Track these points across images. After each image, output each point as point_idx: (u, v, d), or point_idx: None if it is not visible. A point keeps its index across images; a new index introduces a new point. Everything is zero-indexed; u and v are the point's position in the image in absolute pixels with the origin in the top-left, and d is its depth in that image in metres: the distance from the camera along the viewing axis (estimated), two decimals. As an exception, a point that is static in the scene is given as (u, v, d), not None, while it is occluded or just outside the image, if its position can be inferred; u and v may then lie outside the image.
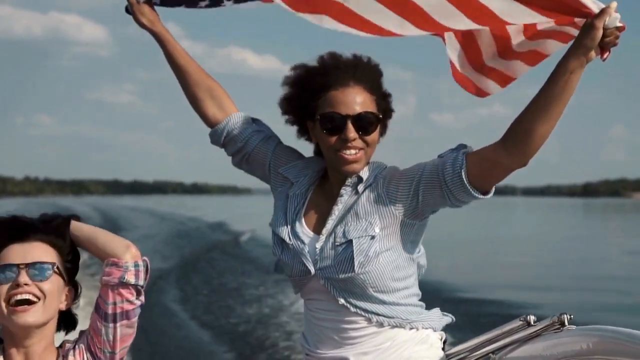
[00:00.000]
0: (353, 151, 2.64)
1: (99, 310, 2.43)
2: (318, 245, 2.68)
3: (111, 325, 2.43)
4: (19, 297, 2.34)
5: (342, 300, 2.65)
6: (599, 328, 2.49)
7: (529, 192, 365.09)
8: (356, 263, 2.60)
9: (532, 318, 2.62)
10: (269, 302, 13.97)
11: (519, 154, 2.51)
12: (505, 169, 2.56)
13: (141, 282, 2.44)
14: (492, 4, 2.55)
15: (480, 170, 2.56)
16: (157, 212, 55.96)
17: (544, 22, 2.60)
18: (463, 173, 2.55)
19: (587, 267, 23.14)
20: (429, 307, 2.77)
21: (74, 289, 2.50)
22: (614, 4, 2.41)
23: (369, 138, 2.66)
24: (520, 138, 2.49)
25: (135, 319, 2.45)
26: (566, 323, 2.56)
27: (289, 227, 2.76)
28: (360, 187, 2.71)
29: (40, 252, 2.42)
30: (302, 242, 2.71)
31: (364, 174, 2.70)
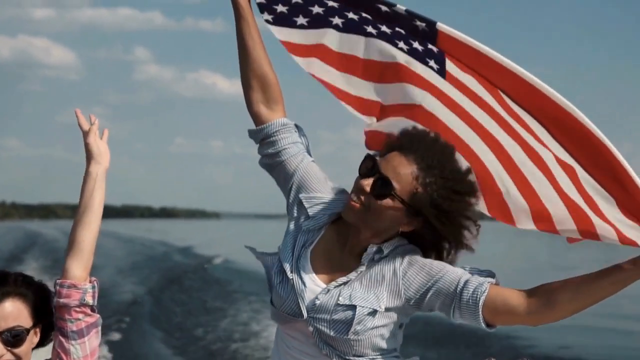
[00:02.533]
0: (355, 198, 2.61)
1: (62, 331, 2.50)
2: (320, 297, 2.64)
3: (79, 340, 2.50)
4: None
5: (325, 351, 2.66)
6: None
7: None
8: (352, 330, 2.60)
9: None
10: (239, 327, 13.96)
11: (538, 319, 2.58)
12: (519, 321, 2.59)
13: (96, 302, 2.57)
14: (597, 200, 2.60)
15: (496, 310, 2.56)
16: (125, 236, 55.59)
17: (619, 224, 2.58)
18: (480, 303, 2.55)
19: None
20: (412, 344, 2.78)
21: (44, 322, 2.56)
22: None
23: (373, 202, 2.58)
24: (545, 305, 2.54)
25: (100, 328, 2.57)
26: None
27: (293, 260, 2.71)
28: (377, 257, 2.66)
29: (11, 312, 2.49)
30: (304, 283, 2.67)
31: (385, 248, 2.66)
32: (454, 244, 2.66)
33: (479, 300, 2.55)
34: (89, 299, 2.52)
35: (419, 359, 2.78)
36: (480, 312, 2.55)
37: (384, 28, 2.82)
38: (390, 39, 2.83)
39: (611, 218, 2.58)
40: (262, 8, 2.93)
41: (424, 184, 2.57)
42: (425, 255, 2.69)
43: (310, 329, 2.65)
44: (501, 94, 2.69)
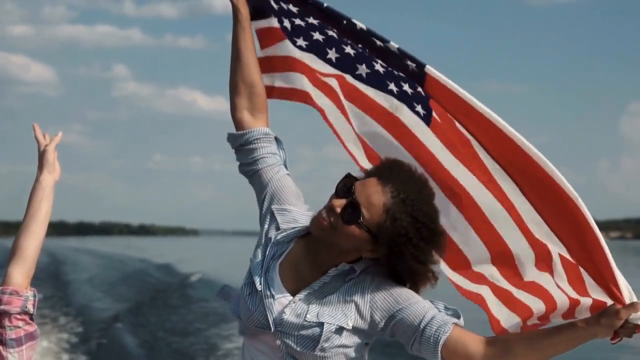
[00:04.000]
0: (325, 215, 2.61)
1: (0, 339, 2.49)
2: (287, 310, 2.65)
3: (17, 348, 2.50)
4: None
5: None
6: None
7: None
8: (319, 346, 2.62)
9: None
10: (219, 345, 13.94)
11: None
12: None
13: (35, 311, 2.57)
14: (546, 239, 2.70)
15: (454, 351, 2.58)
16: (103, 253, 55.29)
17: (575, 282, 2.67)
18: (441, 343, 2.56)
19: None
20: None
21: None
22: None
23: (340, 224, 2.59)
24: (502, 356, 2.56)
25: (38, 340, 2.58)
26: None
27: (262, 272, 2.72)
28: (348, 278, 2.67)
29: None
30: (272, 296, 2.68)
31: (358, 267, 2.67)
32: (410, 279, 2.67)
33: (439, 340, 2.57)
34: (30, 307, 2.53)
35: None
36: (440, 352, 2.57)
37: (377, 66, 2.89)
38: (382, 79, 2.90)
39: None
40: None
41: (394, 218, 2.57)
42: (392, 279, 2.69)
43: (278, 342, 2.67)
44: (475, 146, 2.76)
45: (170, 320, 18.12)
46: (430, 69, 2.79)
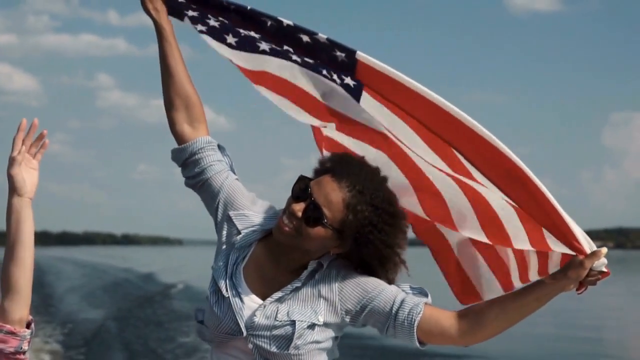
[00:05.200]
0: (287, 221, 2.63)
1: None
2: (258, 313, 2.66)
3: None
4: None
5: None
6: None
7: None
8: (292, 344, 2.63)
9: None
10: (205, 355, 13.93)
11: (469, 338, 2.67)
12: (449, 340, 2.68)
13: (29, 347, 2.49)
14: (495, 202, 2.73)
15: (429, 330, 2.64)
16: (87, 263, 55.15)
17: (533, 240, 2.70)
18: (415, 324, 2.62)
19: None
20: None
21: None
22: (605, 250, 2.58)
23: (304, 228, 2.61)
24: (475, 325, 2.65)
25: None
26: None
27: (227, 278, 2.72)
28: (317, 275, 2.70)
29: None
30: (241, 300, 2.68)
31: (324, 261, 2.70)
32: (380, 268, 2.69)
33: (414, 322, 2.63)
34: (25, 346, 2.46)
35: None
36: (415, 333, 2.63)
37: (306, 59, 2.87)
38: (313, 70, 2.88)
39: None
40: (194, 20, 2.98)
41: (355, 211, 2.60)
42: (358, 270, 2.72)
43: (250, 346, 2.67)
44: (419, 125, 2.76)
45: (154, 329, 18.09)
46: (361, 55, 2.76)
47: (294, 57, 2.88)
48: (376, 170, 2.71)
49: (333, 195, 2.60)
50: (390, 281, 2.72)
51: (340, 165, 2.67)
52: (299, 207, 2.61)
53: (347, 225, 2.60)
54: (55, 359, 13.26)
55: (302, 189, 2.64)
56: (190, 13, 2.97)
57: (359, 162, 2.71)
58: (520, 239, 2.73)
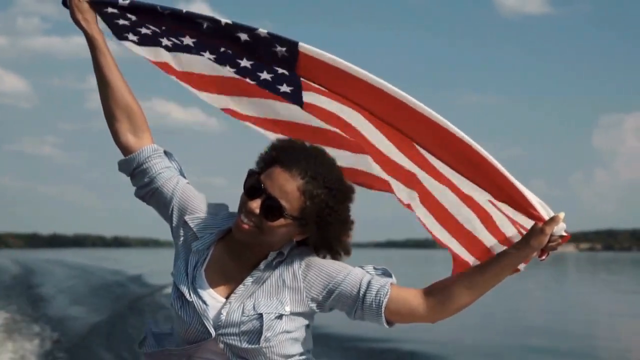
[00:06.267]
0: (246, 220, 2.62)
1: None
2: (224, 311, 2.66)
3: None
4: None
5: None
6: None
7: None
8: (262, 337, 2.63)
9: None
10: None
11: (436, 314, 2.71)
12: (417, 318, 2.72)
13: None
14: (447, 173, 2.77)
15: (397, 310, 2.69)
16: (77, 264, 54.99)
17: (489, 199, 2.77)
18: (383, 305, 2.67)
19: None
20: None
21: None
22: (563, 215, 2.63)
23: (265, 223, 2.61)
24: (442, 301, 2.69)
25: None
26: None
27: (189, 282, 2.70)
28: (276, 262, 2.72)
29: None
30: (205, 302, 2.67)
31: (285, 249, 2.72)
32: (339, 245, 2.73)
33: (381, 304, 2.67)
34: None
35: None
36: (383, 315, 2.67)
37: (243, 63, 2.85)
38: (246, 75, 2.89)
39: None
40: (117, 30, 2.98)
41: (312, 196, 2.61)
42: (318, 254, 2.76)
43: (221, 345, 2.67)
44: (369, 115, 2.79)
45: (142, 330, 18.02)
46: (304, 47, 2.73)
47: (232, 70, 2.88)
48: (321, 152, 2.73)
49: (287, 185, 2.60)
50: (347, 252, 2.74)
51: (287, 153, 2.66)
52: (255, 204, 2.61)
53: (307, 211, 2.62)
54: (45, 361, 13.21)
55: (254, 186, 2.63)
56: (122, 22, 2.93)
57: (304, 147, 2.71)
58: (487, 239, 2.84)
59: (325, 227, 2.66)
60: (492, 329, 20.35)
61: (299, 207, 2.61)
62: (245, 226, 2.62)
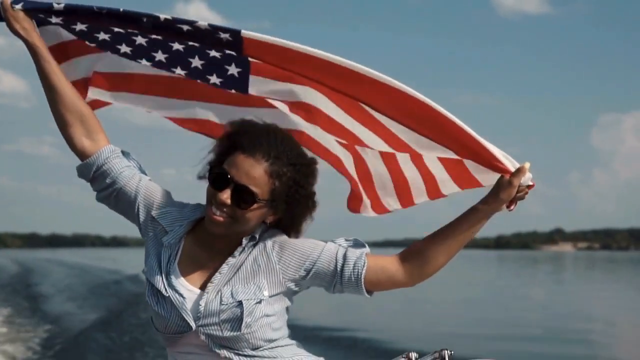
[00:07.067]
0: (218, 212, 2.60)
1: None
2: (202, 302, 2.64)
3: None
4: None
5: (223, 354, 2.66)
6: None
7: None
8: (243, 324, 2.61)
9: (414, 355, 2.84)
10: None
11: (414, 276, 2.73)
12: (397, 284, 2.74)
13: None
14: (405, 136, 2.82)
15: (375, 278, 2.70)
16: (75, 264, 54.99)
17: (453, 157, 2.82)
18: (362, 277, 2.68)
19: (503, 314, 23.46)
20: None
21: None
22: (528, 165, 2.67)
23: (238, 212, 2.60)
24: (419, 264, 2.71)
25: None
26: (447, 358, 2.79)
27: (163, 277, 2.69)
28: (249, 247, 2.70)
29: None
30: (181, 295, 2.66)
31: (257, 233, 2.70)
32: (307, 219, 2.74)
33: (360, 275, 2.68)
34: None
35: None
36: (363, 286, 2.69)
37: (176, 46, 2.83)
38: (184, 57, 2.85)
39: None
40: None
41: (279, 176, 2.60)
42: (287, 234, 2.75)
43: (202, 337, 2.65)
44: (320, 86, 2.80)
45: (141, 330, 18.05)
46: (247, 33, 2.73)
47: (178, 70, 2.88)
48: (277, 128, 2.70)
49: (254, 171, 2.58)
50: (312, 218, 2.75)
51: (246, 137, 2.63)
52: (225, 195, 2.58)
53: (277, 192, 2.61)
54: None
55: (220, 176, 2.60)
56: (54, 19, 2.89)
57: (258, 126, 2.69)
58: (447, 187, 2.96)
59: (295, 204, 2.66)
60: (488, 326, 20.39)
61: (268, 190, 2.60)
62: (219, 218, 2.60)
